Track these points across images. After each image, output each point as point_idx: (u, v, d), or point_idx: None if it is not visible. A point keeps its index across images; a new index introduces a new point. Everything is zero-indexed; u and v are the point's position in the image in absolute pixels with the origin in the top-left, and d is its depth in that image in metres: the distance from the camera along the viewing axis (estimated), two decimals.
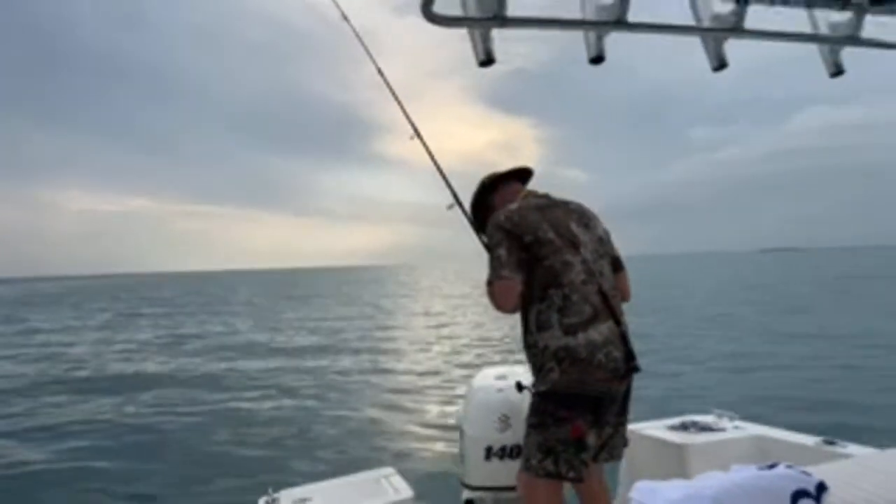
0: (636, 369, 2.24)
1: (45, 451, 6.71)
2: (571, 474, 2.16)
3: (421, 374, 11.44)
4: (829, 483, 1.26)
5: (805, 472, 1.16)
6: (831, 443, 2.67)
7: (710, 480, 1.15)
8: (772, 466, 1.19)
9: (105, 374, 12.19)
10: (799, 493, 1.10)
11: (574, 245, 2.33)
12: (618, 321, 2.27)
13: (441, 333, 18.70)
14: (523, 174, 2.69)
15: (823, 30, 1.60)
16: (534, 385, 2.30)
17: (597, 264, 2.35)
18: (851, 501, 1.16)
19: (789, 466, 1.17)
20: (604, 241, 2.48)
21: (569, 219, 2.41)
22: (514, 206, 2.44)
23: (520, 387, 2.63)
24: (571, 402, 2.17)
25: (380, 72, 3.28)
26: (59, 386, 10.87)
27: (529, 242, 2.29)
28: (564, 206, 2.48)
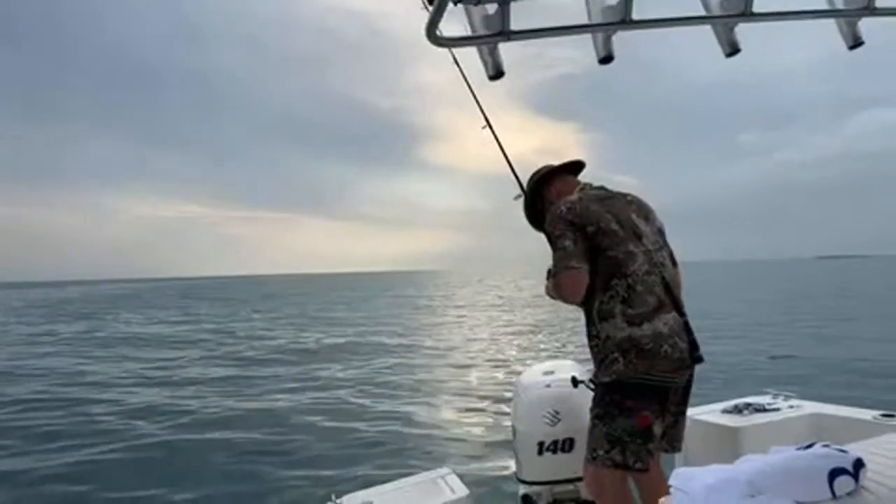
0: (700, 359, 2.24)
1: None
2: (639, 465, 2.17)
3: (470, 372, 11.50)
4: (873, 457, 1.26)
5: (842, 450, 1.17)
6: (890, 416, 2.61)
7: (747, 464, 1.17)
8: (809, 446, 1.20)
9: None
10: (836, 471, 1.11)
11: (637, 236, 2.34)
12: (681, 311, 2.28)
13: (490, 333, 18.73)
14: (576, 167, 2.66)
15: (838, 3, 1.59)
16: (596, 376, 2.31)
17: (658, 255, 2.35)
18: (891, 474, 1.16)
19: (826, 445, 1.19)
20: (662, 233, 2.50)
21: (629, 209, 2.42)
22: (573, 197, 2.43)
23: (575, 381, 2.66)
24: (637, 392, 2.17)
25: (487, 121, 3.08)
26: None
27: (593, 233, 2.29)
28: (623, 197, 2.49)
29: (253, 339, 19.34)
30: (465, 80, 3.03)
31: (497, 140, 3.02)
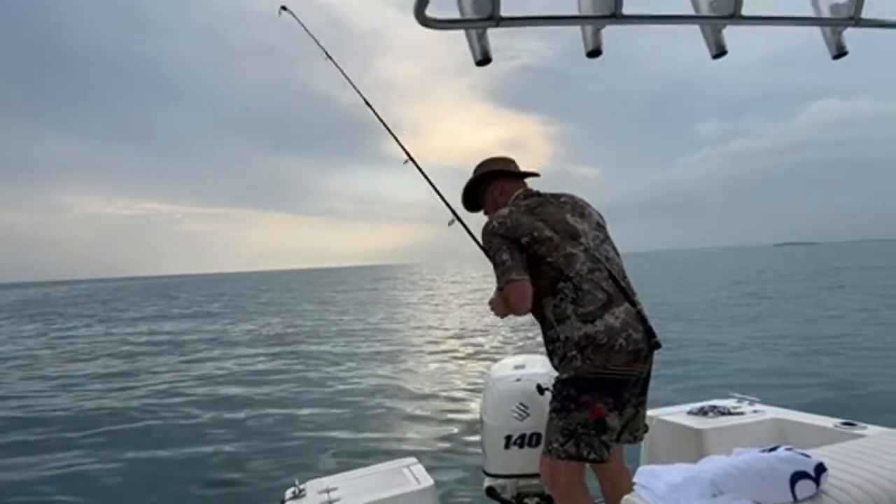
0: (657, 346, 2.27)
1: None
2: (592, 456, 2.21)
3: (441, 363, 11.52)
4: (835, 463, 1.28)
5: (804, 454, 1.18)
6: (850, 424, 2.66)
7: (711, 464, 1.17)
8: (773, 449, 1.21)
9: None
10: (798, 475, 1.12)
11: (573, 237, 2.38)
12: (633, 302, 2.31)
13: (458, 325, 18.78)
14: (527, 175, 2.69)
15: (825, 12, 1.60)
16: (559, 374, 2.33)
17: (600, 250, 2.39)
18: (851, 481, 1.17)
19: (789, 449, 1.20)
20: (602, 226, 2.53)
21: (562, 212, 2.46)
22: (504, 211, 2.47)
23: (540, 389, 2.68)
24: (593, 386, 2.21)
25: (367, 104, 3.40)
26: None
27: (527, 243, 2.35)
28: (555, 199, 2.53)
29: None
30: (381, 119, 3.31)
31: (423, 173, 3.18)
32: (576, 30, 1.51)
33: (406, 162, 3.25)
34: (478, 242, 2.72)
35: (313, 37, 3.50)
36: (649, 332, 2.27)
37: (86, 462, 6.33)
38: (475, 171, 2.70)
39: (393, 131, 3.28)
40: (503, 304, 2.41)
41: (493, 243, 2.40)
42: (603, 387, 2.22)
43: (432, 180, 3.16)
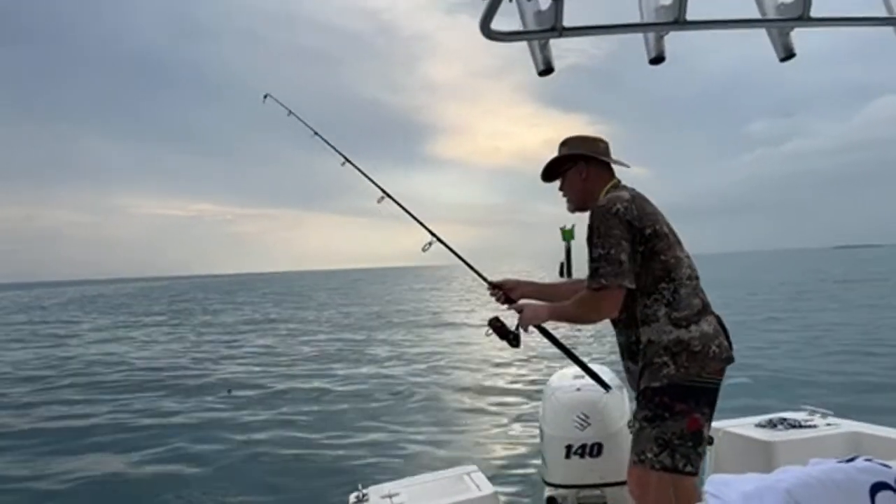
0: (733, 359, 2.25)
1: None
2: (689, 468, 2.16)
3: (501, 373, 11.46)
4: None
5: (885, 465, 1.14)
6: None
7: (786, 474, 1.14)
8: (851, 460, 1.17)
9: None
10: (878, 486, 1.08)
11: (679, 240, 2.34)
12: (715, 313, 2.30)
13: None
14: (612, 167, 2.52)
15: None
16: (639, 382, 2.28)
17: (692, 261, 2.36)
18: None
19: (868, 459, 1.16)
20: None
21: (665, 217, 2.37)
22: (625, 195, 2.30)
23: (605, 385, 2.65)
24: (688, 395, 2.17)
25: (346, 159, 3.40)
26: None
27: (650, 235, 2.23)
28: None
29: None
30: (353, 164, 3.34)
31: (402, 207, 3.17)
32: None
33: (381, 200, 3.23)
34: (462, 259, 2.82)
35: (301, 119, 3.60)
36: (730, 343, 2.26)
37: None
38: (563, 146, 2.54)
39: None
40: (590, 309, 2.28)
41: (611, 229, 2.20)
42: (699, 396, 2.18)
43: (412, 211, 3.16)
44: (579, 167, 2.47)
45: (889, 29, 1.55)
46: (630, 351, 2.32)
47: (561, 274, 56.04)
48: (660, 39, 1.48)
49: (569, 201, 2.55)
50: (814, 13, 1.48)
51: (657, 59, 1.49)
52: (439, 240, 3.01)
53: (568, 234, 59.56)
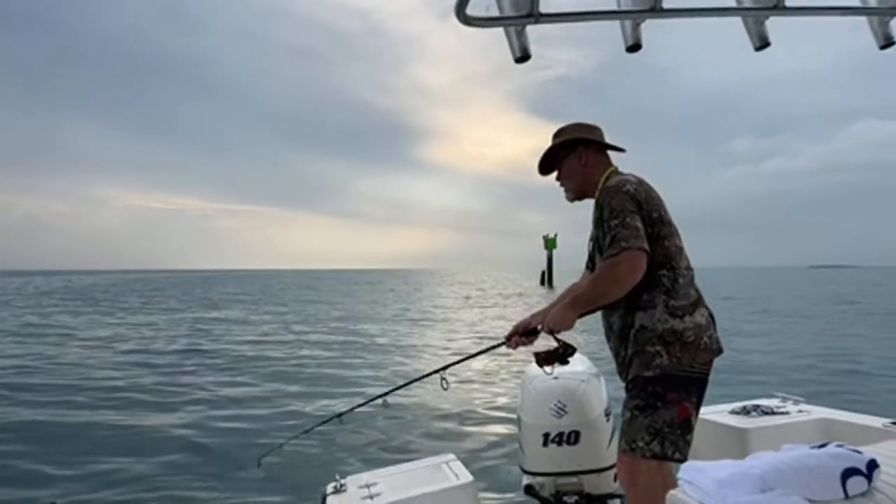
0: (722, 350, 2.29)
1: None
2: (677, 455, 2.18)
3: (479, 362, 11.51)
4: (887, 460, 1.25)
5: (856, 451, 1.16)
6: None
7: (759, 460, 1.16)
8: (822, 446, 1.19)
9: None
10: (849, 471, 1.10)
11: (678, 232, 2.34)
12: (706, 305, 2.32)
13: (494, 324, 18.74)
14: (610, 149, 2.52)
15: (872, 1, 1.57)
16: (631, 369, 2.28)
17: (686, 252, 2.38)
18: None
19: (839, 445, 1.17)
20: None
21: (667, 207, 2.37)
22: (632, 177, 2.32)
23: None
24: (679, 384, 2.19)
25: None
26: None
27: (656, 219, 2.24)
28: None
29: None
30: None
31: None
32: (613, 37, 1.50)
33: None
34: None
35: None
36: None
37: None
38: (557, 136, 2.51)
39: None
40: (613, 277, 2.17)
41: (624, 205, 2.19)
42: (689, 385, 2.20)
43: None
44: (578, 152, 2.45)
45: (866, 25, 1.56)
46: (621, 335, 2.31)
47: (542, 283, 55.77)
48: (636, 27, 1.48)
49: (568, 190, 2.52)
50: (788, 2, 1.48)
51: (634, 47, 1.48)
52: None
53: (551, 244, 59.33)
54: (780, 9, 1.51)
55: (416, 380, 2.97)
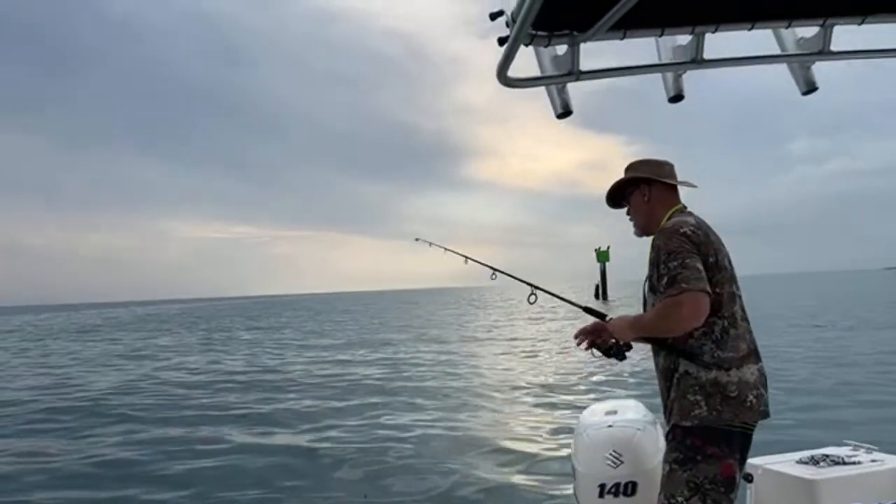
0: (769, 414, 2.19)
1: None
2: None
3: (535, 405, 11.30)
4: None
5: None
6: None
7: None
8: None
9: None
10: None
11: (735, 277, 2.28)
12: (761, 362, 2.23)
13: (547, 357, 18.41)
14: (676, 189, 2.48)
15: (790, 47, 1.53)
16: (672, 416, 2.23)
17: (743, 301, 2.29)
18: None
19: None
20: None
21: (726, 249, 2.32)
22: (691, 220, 2.28)
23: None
24: (720, 439, 2.11)
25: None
26: None
27: (711, 264, 2.18)
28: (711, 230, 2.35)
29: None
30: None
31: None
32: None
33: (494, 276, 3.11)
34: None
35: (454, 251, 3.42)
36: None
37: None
38: (627, 170, 2.51)
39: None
40: (673, 316, 2.12)
41: (682, 247, 2.15)
42: (731, 440, 2.12)
43: (468, 254, 3.17)
44: (642, 190, 2.44)
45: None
46: (666, 376, 2.27)
47: (596, 296, 54.82)
48: (678, 78, 1.50)
49: (635, 225, 2.52)
50: (833, 47, 1.48)
51: (676, 98, 1.50)
52: (503, 272, 2.96)
53: (603, 256, 58.44)
54: (825, 53, 1.50)
55: (512, 276, 2.95)
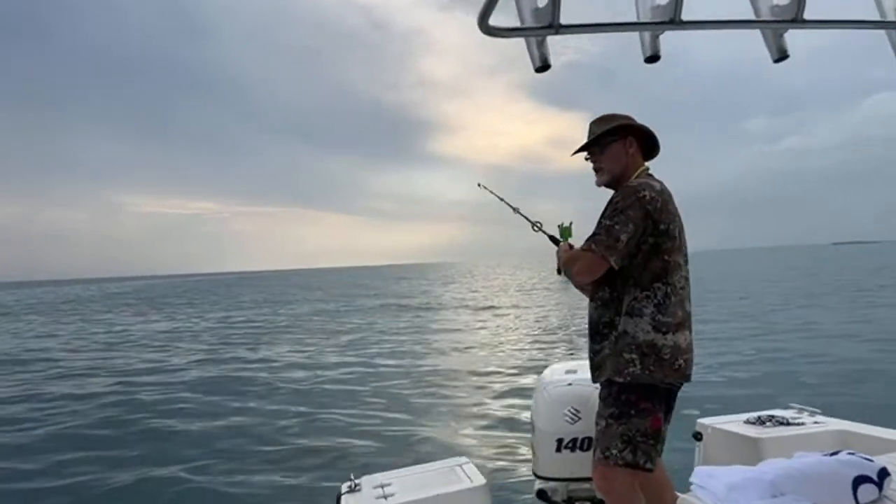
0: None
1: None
2: (648, 465, 2.23)
3: (492, 366, 11.51)
4: None
5: (867, 458, 1.17)
6: None
7: (770, 466, 1.17)
8: (834, 453, 1.20)
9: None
10: (860, 479, 1.11)
11: (685, 250, 2.36)
12: (691, 330, 2.33)
13: (508, 327, 18.71)
14: (652, 150, 2.52)
15: (891, 15, 1.58)
16: (604, 371, 2.33)
17: (688, 271, 2.38)
18: None
19: (851, 453, 1.18)
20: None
21: (680, 217, 2.37)
22: (656, 185, 2.32)
23: None
24: (652, 395, 2.24)
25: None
26: None
27: (662, 231, 2.25)
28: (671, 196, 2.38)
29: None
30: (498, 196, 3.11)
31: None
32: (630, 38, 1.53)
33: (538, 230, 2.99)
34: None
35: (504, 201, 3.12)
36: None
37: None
38: (604, 121, 2.46)
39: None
40: (573, 265, 2.37)
41: (628, 209, 2.22)
42: (659, 397, 2.25)
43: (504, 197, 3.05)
44: (628, 141, 2.44)
45: (881, 31, 1.57)
46: (599, 332, 2.36)
47: (559, 272, 55.74)
48: (655, 38, 1.50)
49: (603, 174, 2.48)
50: (807, 15, 1.50)
51: (652, 58, 1.51)
52: (544, 231, 2.91)
53: (566, 233, 58.93)
54: (798, 21, 1.52)
55: (514, 208, 2.99)
